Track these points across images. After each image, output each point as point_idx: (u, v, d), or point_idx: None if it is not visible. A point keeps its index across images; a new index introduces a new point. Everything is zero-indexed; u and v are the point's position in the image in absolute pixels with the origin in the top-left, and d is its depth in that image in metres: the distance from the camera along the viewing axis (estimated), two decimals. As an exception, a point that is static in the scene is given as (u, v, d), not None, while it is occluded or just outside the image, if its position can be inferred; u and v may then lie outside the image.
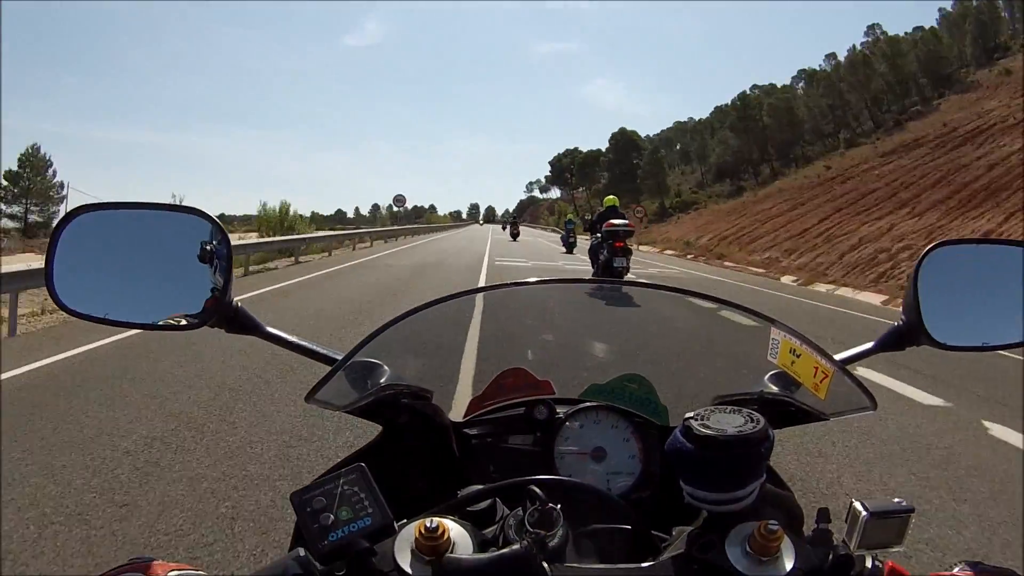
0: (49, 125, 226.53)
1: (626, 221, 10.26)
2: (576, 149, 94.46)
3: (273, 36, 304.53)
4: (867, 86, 44.10)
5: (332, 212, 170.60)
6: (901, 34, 48.06)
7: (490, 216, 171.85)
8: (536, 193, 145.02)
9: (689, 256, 27.60)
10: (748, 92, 53.19)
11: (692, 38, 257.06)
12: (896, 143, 31.84)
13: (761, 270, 20.03)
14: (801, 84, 55.73)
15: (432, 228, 57.17)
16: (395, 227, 33.79)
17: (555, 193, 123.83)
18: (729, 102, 56.56)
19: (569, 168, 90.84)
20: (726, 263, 22.84)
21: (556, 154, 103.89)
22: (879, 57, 45.07)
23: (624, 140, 62.45)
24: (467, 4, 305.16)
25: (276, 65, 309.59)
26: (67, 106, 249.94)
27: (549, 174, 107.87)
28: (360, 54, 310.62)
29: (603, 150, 75.41)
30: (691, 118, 79.45)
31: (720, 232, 31.32)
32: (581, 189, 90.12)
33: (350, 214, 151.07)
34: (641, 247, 31.75)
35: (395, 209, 33.58)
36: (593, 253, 10.87)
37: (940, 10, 49.35)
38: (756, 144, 50.74)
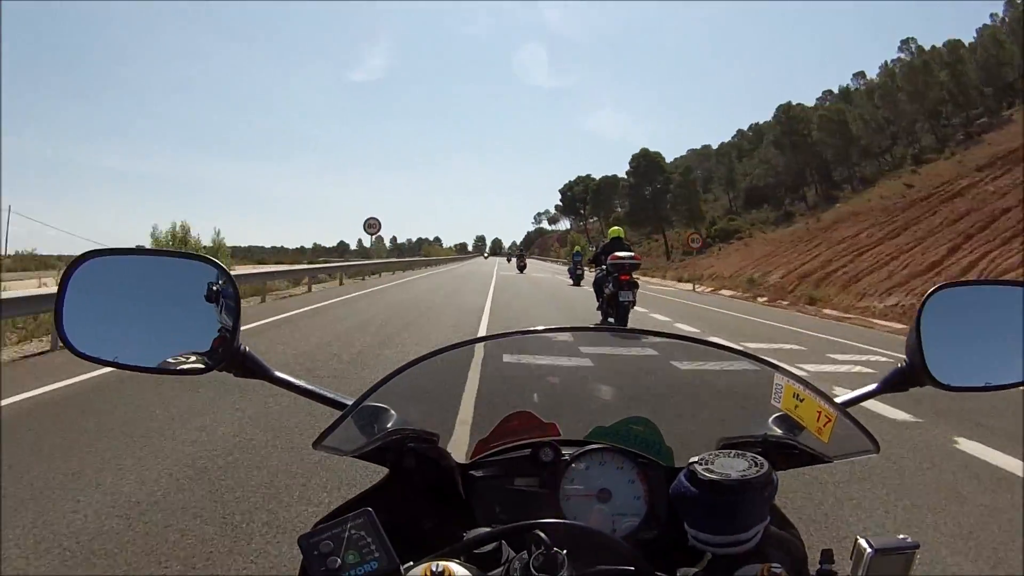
0: (46, 149, 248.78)
1: (632, 253, 10.36)
2: (588, 176, 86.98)
3: (279, 69, 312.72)
4: (926, 96, 41.84)
5: (335, 243, 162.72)
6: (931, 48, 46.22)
7: (496, 248, 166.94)
8: (545, 224, 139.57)
9: (761, 299, 22.54)
10: (792, 104, 44.97)
11: (697, 67, 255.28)
12: (987, 156, 28.38)
13: (898, 325, 14.46)
14: (828, 104, 53.12)
15: (428, 262, 54.42)
16: (373, 261, 30.13)
17: (564, 224, 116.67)
18: (771, 117, 49.46)
19: (582, 196, 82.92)
20: (826, 310, 18.20)
21: (567, 181, 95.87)
22: (936, 65, 42.84)
23: (647, 163, 55.16)
24: (468, 38, 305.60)
25: (283, 98, 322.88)
26: (71, 133, 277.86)
27: (560, 203, 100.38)
28: (365, 88, 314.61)
29: (619, 176, 67.76)
30: (707, 145, 72.22)
31: (796, 267, 26.94)
32: (595, 219, 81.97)
33: (353, 245, 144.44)
34: (693, 287, 28.01)
35: (369, 237, 25.50)
36: (598, 286, 10.97)
37: (992, 15, 47.32)
38: (805, 162, 47.73)
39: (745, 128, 68.72)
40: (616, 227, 11.58)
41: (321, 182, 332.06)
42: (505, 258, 71.88)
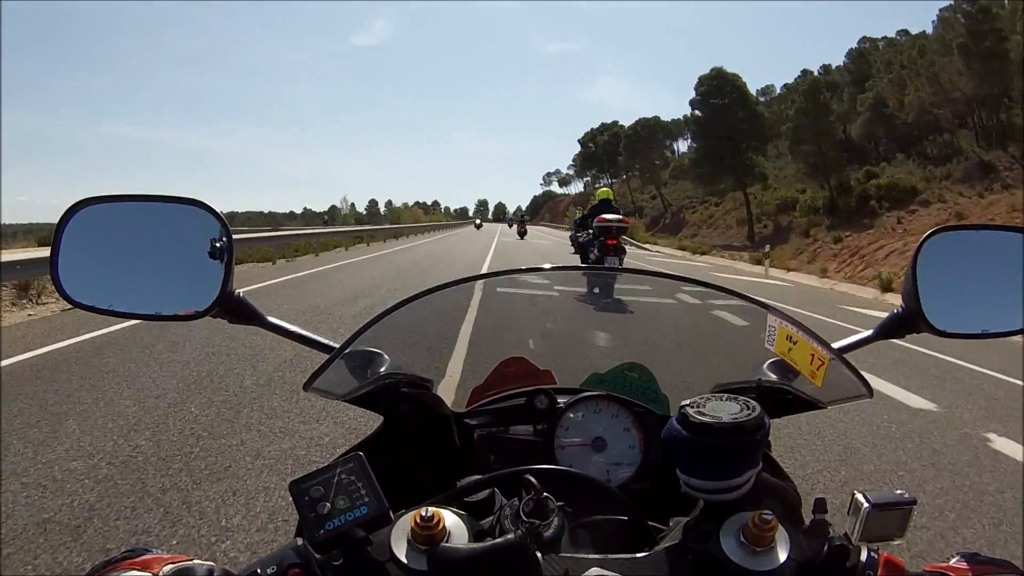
0: (53, 122, 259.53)
1: (620, 216, 9.88)
2: (616, 123, 66.70)
3: (280, 34, 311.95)
4: None
5: (327, 207, 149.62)
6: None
7: (500, 214, 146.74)
8: (555, 187, 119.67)
9: None
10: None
11: (701, 34, 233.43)
12: None
13: None
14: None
15: (395, 231, 41.18)
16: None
17: (576, 187, 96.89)
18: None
19: (609, 147, 62.69)
20: None
21: (588, 130, 75.94)
22: None
23: (723, 86, 33.55)
24: (473, 4, 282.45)
25: (283, 63, 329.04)
26: (70, 104, 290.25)
27: (574, 162, 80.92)
28: (368, 53, 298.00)
29: (660, 118, 48.30)
30: (768, 85, 52.51)
31: None
32: (625, 175, 62.27)
33: (345, 211, 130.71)
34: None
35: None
36: (583, 250, 10.80)
37: None
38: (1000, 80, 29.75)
39: (813, 69, 48.48)
40: (605, 188, 11.21)
41: (318, 148, 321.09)
42: (507, 224, 65.50)
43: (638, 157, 62.57)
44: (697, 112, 42.27)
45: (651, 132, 60.94)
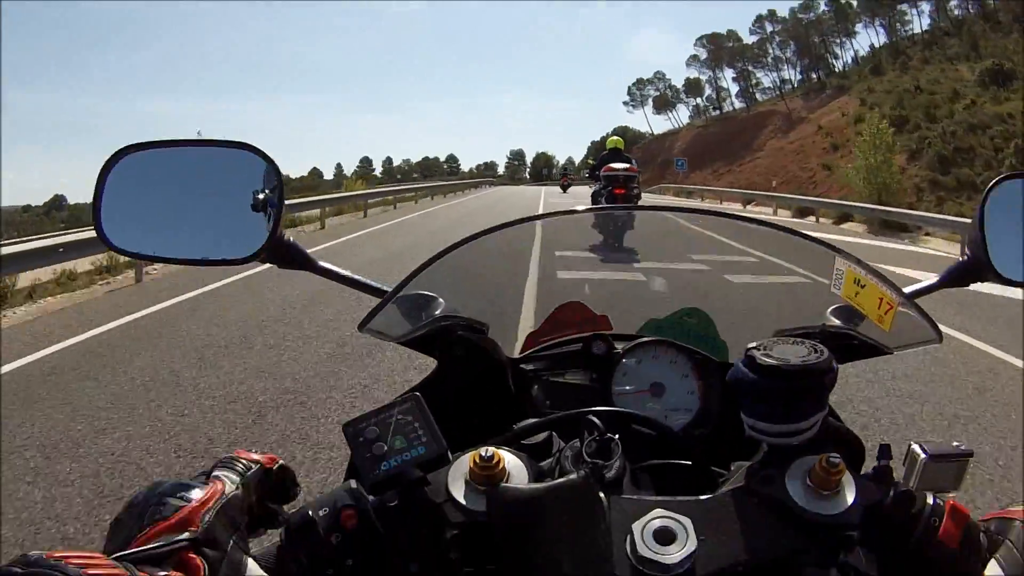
0: (85, 100, 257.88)
1: (627, 165, 10.23)
2: None
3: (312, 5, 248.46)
4: None
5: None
6: None
7: (543, 167, 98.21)
8: (645, 115, 70.14)
9: None
10: None
11: None
12: None
13: None
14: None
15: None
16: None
17: (681, 116, 50.56)
18: None
19: None
20: None
21: None
22: None
23: None
24: None
25: (318, 31, 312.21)
26: (97, 80, 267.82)
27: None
28: (405, 18, 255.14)
29: None
30: None
31: None
32: None
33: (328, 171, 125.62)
34: None
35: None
36: (594, 200, 11.61)
37: None
38: None
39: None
40: (615, 137, 11.35)
41: (356, 114, 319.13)
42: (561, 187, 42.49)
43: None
44: None
45: None
